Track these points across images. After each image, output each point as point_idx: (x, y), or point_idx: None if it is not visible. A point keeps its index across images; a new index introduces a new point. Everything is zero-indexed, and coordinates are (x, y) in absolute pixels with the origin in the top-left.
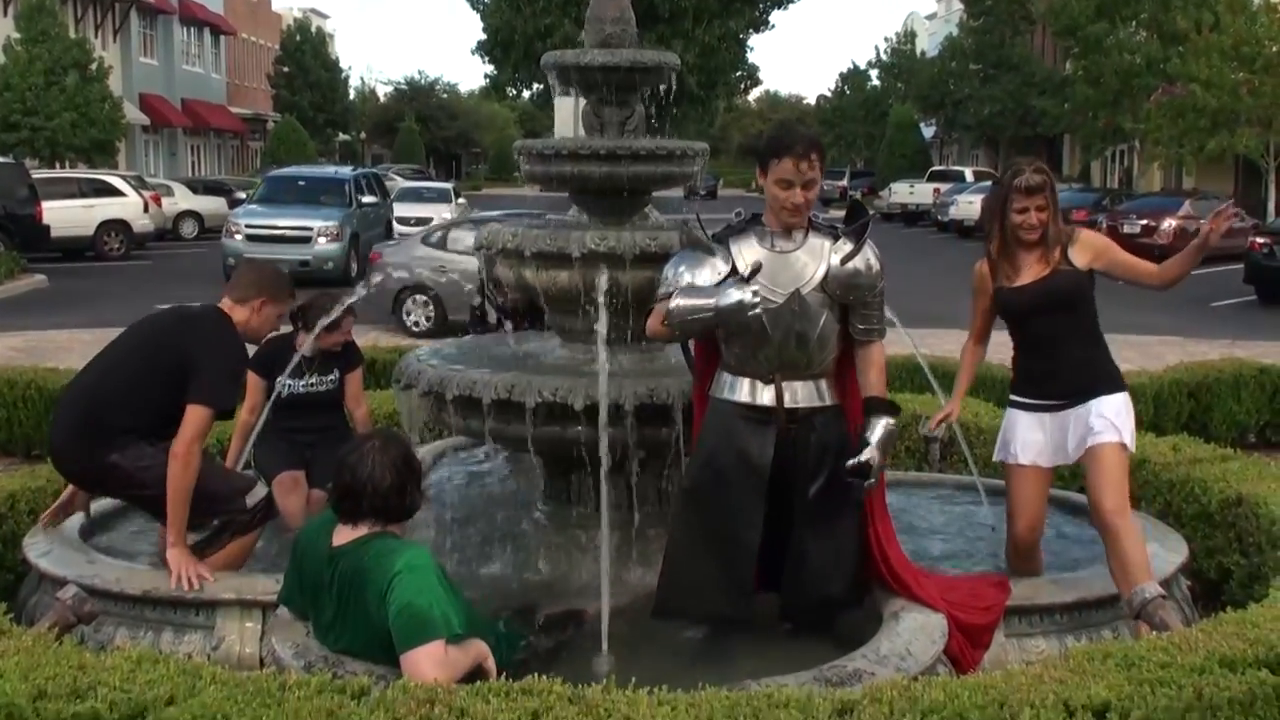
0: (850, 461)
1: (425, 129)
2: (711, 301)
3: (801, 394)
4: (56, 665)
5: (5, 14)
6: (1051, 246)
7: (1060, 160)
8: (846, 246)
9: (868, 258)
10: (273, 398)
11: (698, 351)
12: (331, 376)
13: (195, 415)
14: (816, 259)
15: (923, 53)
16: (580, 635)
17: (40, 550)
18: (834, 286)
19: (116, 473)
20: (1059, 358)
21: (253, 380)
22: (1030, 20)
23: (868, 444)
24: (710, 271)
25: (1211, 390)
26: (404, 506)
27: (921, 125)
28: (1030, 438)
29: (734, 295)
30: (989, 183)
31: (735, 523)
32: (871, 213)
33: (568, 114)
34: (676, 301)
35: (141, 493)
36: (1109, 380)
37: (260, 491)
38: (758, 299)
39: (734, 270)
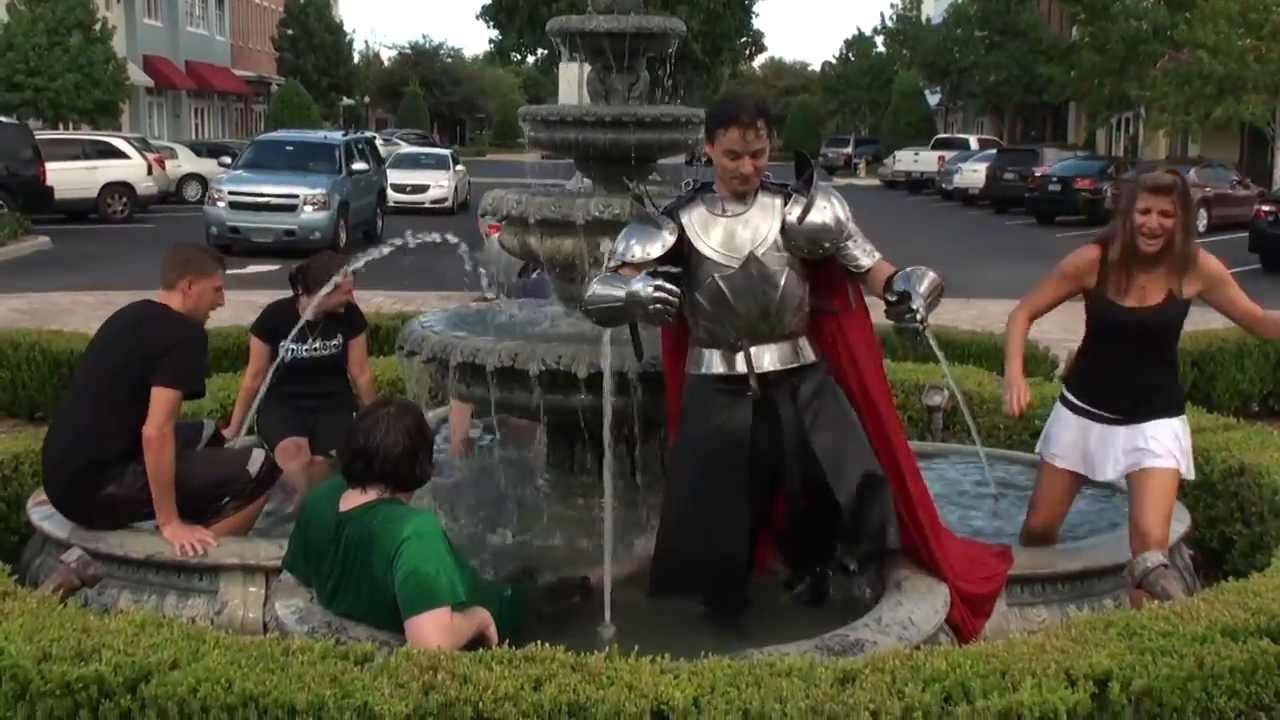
0: (901, 305)
1: (429, 94)
2: (620, 292)
3: (773, 358)
4: (61, 628)
5: None
6: (1175, 271)
7: (1065, 128)
8: (799, 204)
9: (835, 210)
10: (276, 362)
11: (666, 331)
12: (335, 341)
13: (162, 397)
14: (769, 217)
15: (928, 19)
16: (583, 603)
17: (44, 513)
18: (801, 242)
19: (118, 505)
20: (1132, 381)
21: (256, 345)
22: None
23: (912, 293)
24: (659, 245)
25: (1215, 359)
26: (414, 474)
27: (926, 93)
28: (1072, 441)
29: (635, 286)
30: (994, 150)
31: (722, 500)
32: (815, 163)
33: (572, 80)
34: (592, 288)
35: (146, 510)
36: (1170, 405)
37: (259, 458)
38: (659, 294)
39: (681, 240)
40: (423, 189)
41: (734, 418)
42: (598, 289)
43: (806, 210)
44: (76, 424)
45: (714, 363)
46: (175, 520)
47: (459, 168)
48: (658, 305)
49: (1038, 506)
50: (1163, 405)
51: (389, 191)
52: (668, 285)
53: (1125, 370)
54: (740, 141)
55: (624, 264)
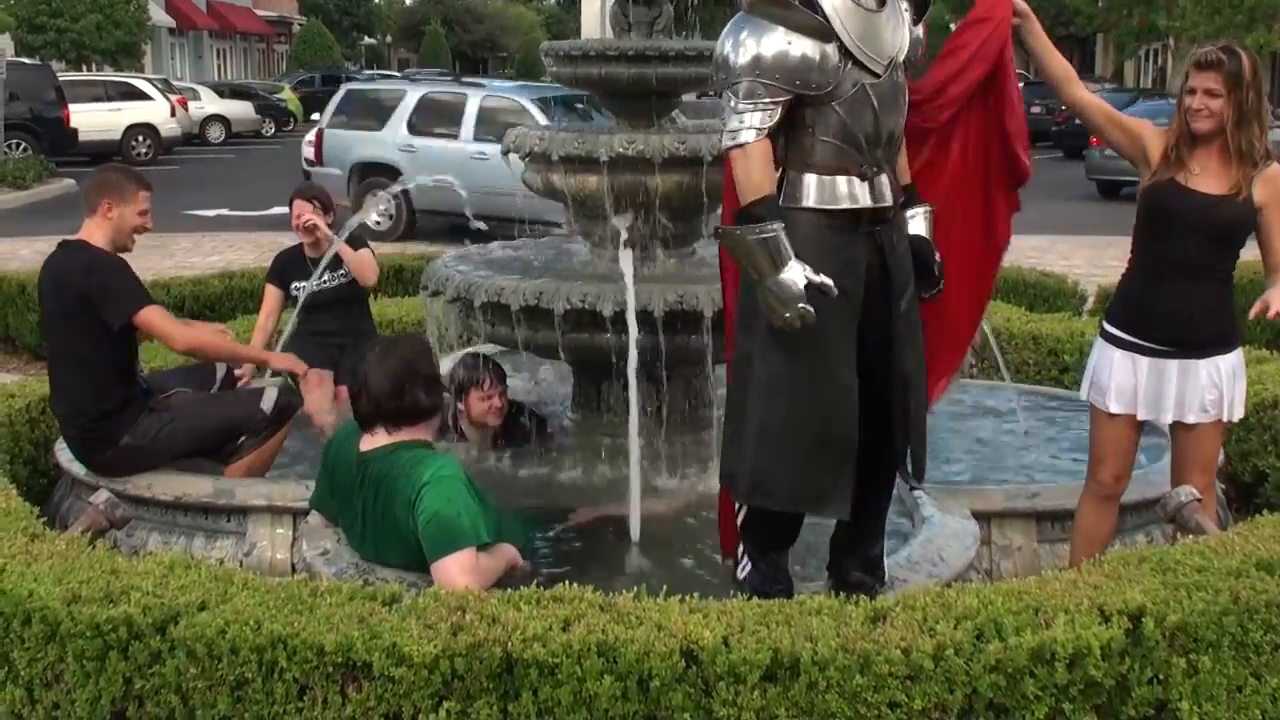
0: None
1: (451, 33)
2: (766, 271)
3: (890, 190)
4: (90, 570)
5: None
6: (1240, 164)
7: (1093, 60)
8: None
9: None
10: (298, 306)
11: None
12: (342, 270)
13: (150, 318)
14: (900, 19)
15: None
16: (612, 540)
17: (72, 455)
18: (912, 57)
19: (137, 455)
20: (1189, 295)
21: (269, 290)
22: None
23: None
24: (818, 54)
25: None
26: (403, 409)
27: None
28: (1124, 382)
29: (788, 275)
30: (1020, 84)
31: (838, 366)
32: None
33: (594, 16)
34: (770, 235)
35: (167, 459)
36: (1226, 337)
37: (271, 395)
38: (807, 311)
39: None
40: None
41: (854, 263)
42: (748, 238)
43: (920, 15)
44: (66, 380)
45: (837, 192)
46: (260, 352)
47: None
48: (803, 311)
49: (1102, 460)
50: (1218, 335)
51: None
52: (826, 281)
53: (1181, 281)
54: None
55: (764, 93)
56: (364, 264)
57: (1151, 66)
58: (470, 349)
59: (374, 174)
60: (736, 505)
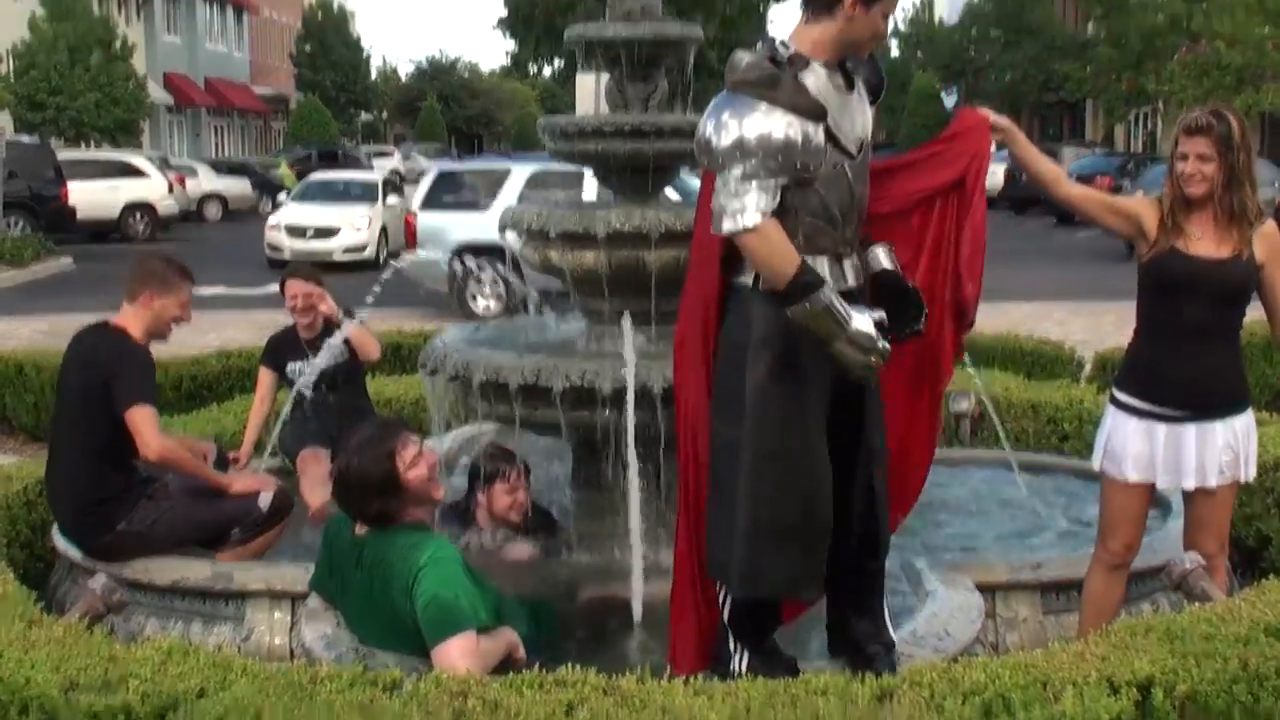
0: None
1: (446, 108)
2: (840, 326)
3: (855, 270)
4: (87, 656)
5: None
6: (1235, 225)
7: (1083, 125)
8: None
9: None
10: (295, 388)
11: (705, 254)
12: (338, 351)
13: (139, 417)
14: (863, 102)
15: (940, 20)
16: (614, 621)
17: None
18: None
19: (133, 540)
20: (1199, 357)
21: (262, 374)
22: None
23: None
24: (803, 125)
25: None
26: (376, 514)
27: (943, 94)
28: (1141, 450)
29: (861, 327)
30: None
31: (817, 449)
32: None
33: (589, 91)
34: (828, 298)
35: (163, 547)
36: (1239, 397)
37: (268, 496)
38: (885, 350)
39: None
40: (330, 233)
41: (820, 345)
42: (816, 309)
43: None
44: (67, 464)
45: (819, 271)
46: (224, 476)
47: (395, 200)
48: (884, 351)
49: (1113, 530)
50: (1231, 396)
51: (280, 237)
52: (881, 313)
53: (1190, 345)
54: (895, 4)
55: (779, 169)
56: (367, 339)
57: (1141, 130)
58: (468, 428)
59: (479, 256)
60: (721, 598)
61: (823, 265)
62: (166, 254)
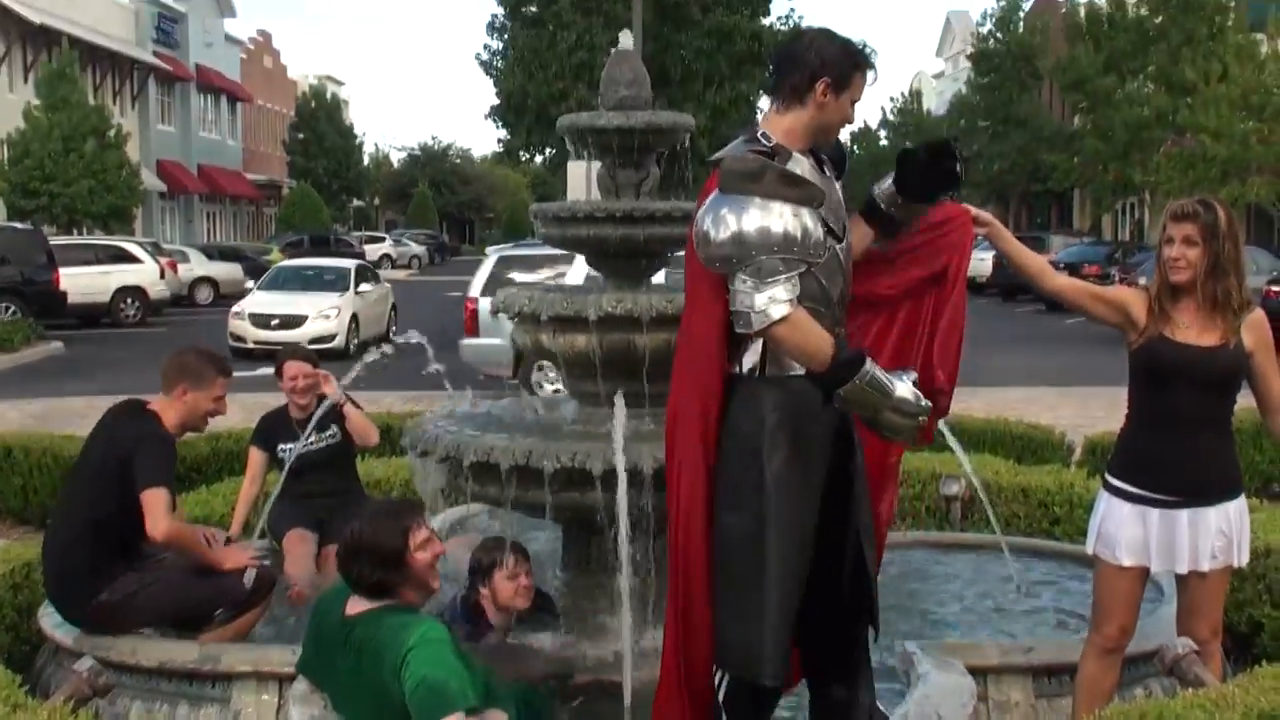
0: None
1: (438, 194)
2: (892, 393)
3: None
4: None
5: (26, 81)
6: (1221, 312)
7: (1071, 214)
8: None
9: None
10: (286, 469)
11: (699, 346)
12: (330, 432)
13: (153, 499)
14: (833, 181)
15: (929, 111)
16: (605, 704)
17: (55, 621)
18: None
19: (113, 611)
20: (1191, 445)
21: (253, 453)
22: (1037, 76)
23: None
24: (810, 215)
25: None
26: (352, 578)
27: None
28: (1135, 535)
29: (904, 392)
30: None
31: (808, 536)
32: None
33: (580, 178)
34: (870, 369)
35: (143, 619)
36: (1232, 482)
37: (252, 573)
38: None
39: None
40: (296, 322)
41: (830, 420)
42: (863, 385)
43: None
44: (65, 530)
45: None
46: (215, 553)
47: (368, 287)
48: (927, 409)
49: (1108, 616)
50: (1224, 482)
51: (244, 326)
52: (913, 373)
53: (1182, 432)
54: (863, 91)
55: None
56: (366, 425)
57: (1129, 220)
58: (456, 509)
59: None
60: (716, 680)
61: None
62: (201, 347)
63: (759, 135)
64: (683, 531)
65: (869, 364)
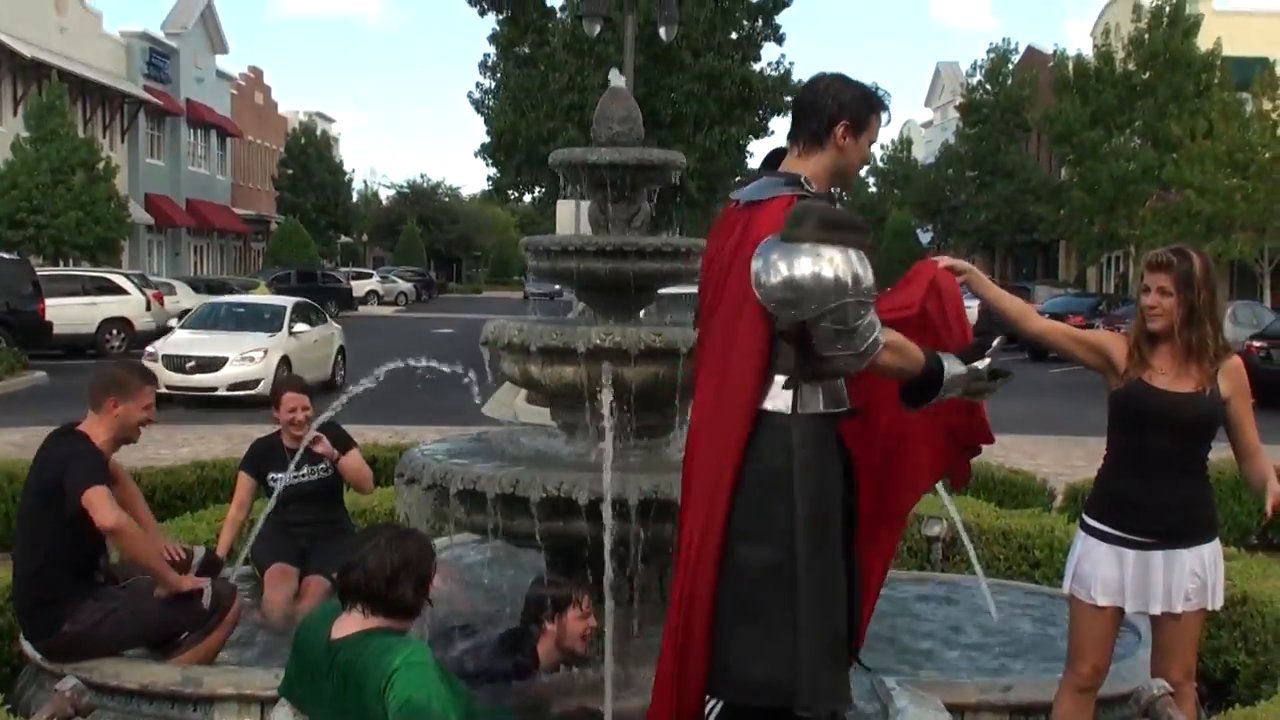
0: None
1: (427, 231)
2: (962, 369)
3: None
4: None
5: (15, 113)
6: (1198, 361)
7: (1056, 266)
8: None
9: None
10: (274, 495)
11: (733, 383)
12: (322, 465)
13: (93, 495)
14: None
15: (917, 160)
16: None
17: None
18: None
19: (78, 641)
20: (1166, 488)
21: (242, 479)
22: (1025, 128)
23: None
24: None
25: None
26: (387, 597)
27: (919, 231)
28: (1110, 575)
29: (966, 367)
30: None
31: (841, 567)
32: None
33: (568, 217)
34: (952, 360)
35: (108, 648)
36: (1207, 525)
37: (209, 591)
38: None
39: None
40: (213, 365)
41: (840, 462)
42: (957, 374)
43: None
44: (24, 564)
45: (839, 396)
46: (173, 575)
47: (305, 327)
48: (997, 385)
49: (1082, 655)
50: (1199, 525)
51: (156, 369)
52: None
53: (1158, 475)
54: (879, 132)
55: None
56: (363, 473)
57: (1113, 273)
58: (439, 540)
59: None
60: (708, 710)
61: (840, 387)
62: (124, 360)
63: (801, 180)
64: (695, 561)
65: (955, 369)
